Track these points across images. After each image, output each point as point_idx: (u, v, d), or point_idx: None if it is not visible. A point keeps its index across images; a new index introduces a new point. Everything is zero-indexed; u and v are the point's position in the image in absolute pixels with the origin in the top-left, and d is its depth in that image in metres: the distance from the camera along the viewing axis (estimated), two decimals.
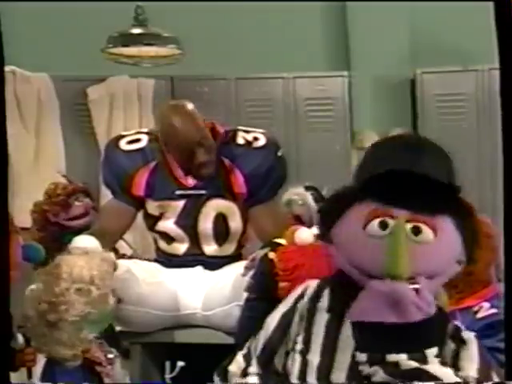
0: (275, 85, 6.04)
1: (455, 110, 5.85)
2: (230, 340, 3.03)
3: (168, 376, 2.89)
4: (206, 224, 3.23)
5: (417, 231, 1.83)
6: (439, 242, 1.83)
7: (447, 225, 1.84)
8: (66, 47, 5.86)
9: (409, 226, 1.82)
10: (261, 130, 3.33)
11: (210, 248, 3.27)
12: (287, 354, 2.02)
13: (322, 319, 1.97)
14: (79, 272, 2.46)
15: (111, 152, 3.29)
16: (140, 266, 3.19)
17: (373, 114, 5.99)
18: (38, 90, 5.74)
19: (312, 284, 2.05)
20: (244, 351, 2.11)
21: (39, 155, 5.73)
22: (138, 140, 3.27)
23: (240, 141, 3.25)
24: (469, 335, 1.89)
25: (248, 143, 3.25)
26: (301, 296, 2.04)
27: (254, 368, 2.08)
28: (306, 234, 2.85)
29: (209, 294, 3.17)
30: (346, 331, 1.91)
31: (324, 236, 1.97)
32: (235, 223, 3.27)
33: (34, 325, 2.45)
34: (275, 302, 2.88)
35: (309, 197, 3.97)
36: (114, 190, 3.29)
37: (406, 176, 1.80)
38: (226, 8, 5.89)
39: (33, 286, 2.58)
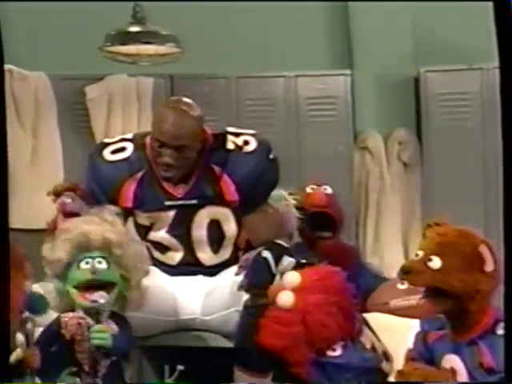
0: (276, 84, 5.98)
1: (459, 109, 5.80)
2: (229, 344, 3.02)
3: (167, 380, 2.89)
4: (199, 231, 3.15)
5: None
6: None
7: None
8: (63, 46, 5.82)
9: None
10: (251, 132, 3.26)
11: (205, 256, 3.18)
12: None
13: None
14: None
15: (95, 162, 3.21)
16: None
17: (376, 113, 5.96)
18: (35, 88, 5.69)
19: None
20: None
21: (36, 155, 5.68)
22: (122, 149, 3.20)
23: (230, 146, 3.17)
24: None
25: (238, 148, 3.17)
26: None
27: None
28: (286, 298, 2.86)
29: (208, 298, 3.13)
30: None
31: None
32: (230, 228, 3.18)
33: None
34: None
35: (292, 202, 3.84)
36: (99, 200, 3.17)
37: None
38: (226, 6, 5.85)
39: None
